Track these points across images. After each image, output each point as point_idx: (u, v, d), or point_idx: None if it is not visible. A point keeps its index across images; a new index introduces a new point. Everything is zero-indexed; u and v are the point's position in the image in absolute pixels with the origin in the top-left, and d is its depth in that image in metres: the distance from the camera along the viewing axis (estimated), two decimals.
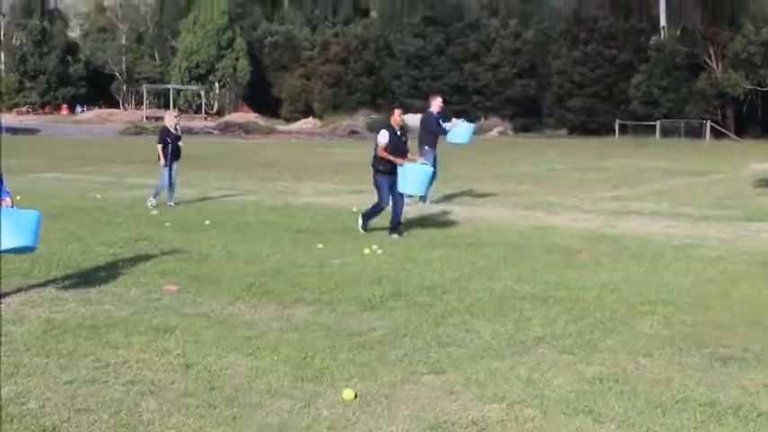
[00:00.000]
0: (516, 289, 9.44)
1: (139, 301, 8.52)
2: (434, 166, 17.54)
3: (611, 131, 68.54)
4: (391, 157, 13.29)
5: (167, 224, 14.30)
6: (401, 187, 13.43)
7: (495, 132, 68.98)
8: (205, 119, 79.54)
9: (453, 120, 18.16)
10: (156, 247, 11.91)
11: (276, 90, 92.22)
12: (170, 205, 16.87)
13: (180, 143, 17.26)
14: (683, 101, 67.27)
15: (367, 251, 11.76)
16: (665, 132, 65.48)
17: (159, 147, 17.04)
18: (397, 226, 13.47)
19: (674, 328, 7.83)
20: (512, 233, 14.08)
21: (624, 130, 68.53)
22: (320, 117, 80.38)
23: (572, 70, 72.18)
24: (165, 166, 16.96)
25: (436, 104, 18.00)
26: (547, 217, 16.39)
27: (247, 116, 76.83)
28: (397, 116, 13.67)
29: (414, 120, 71.61)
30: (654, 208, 18.21)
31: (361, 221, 13.76)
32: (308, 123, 76.15)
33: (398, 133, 13.51)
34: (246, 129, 61.71)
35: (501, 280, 9.93)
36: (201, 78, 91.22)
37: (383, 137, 13.37)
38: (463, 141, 18.04)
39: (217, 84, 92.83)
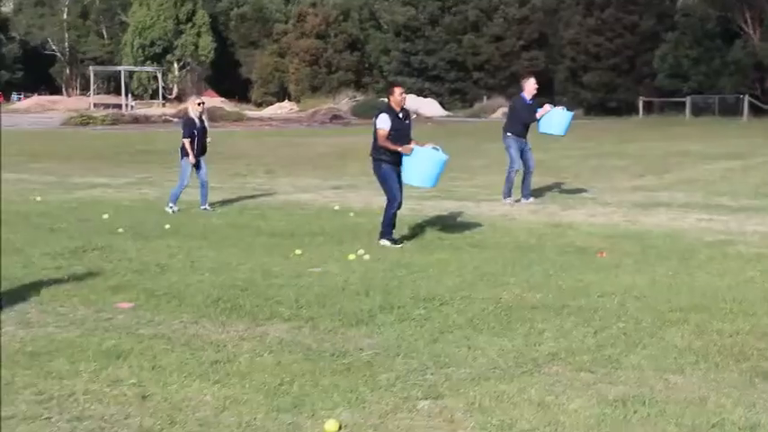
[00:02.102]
0: (526, 297, 9.44)
1: (88, 322, 8.49)
2: (523, 158, 17.52)
3: (633, 110, 68.74)
4: (395, 147, 12.61)
5: (120, 230, 14.26)
6: (407, 177, 12.78)
7: (499, 114, 69.08)
8: (163, 105, 79.41)
9: (546, 106, 17.71)
10: (106, 257, 11.87)
11: (245, 70, 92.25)
12: (205, 208, 16.69)
13: (208, 138, 17.01)
14: (715, 73, 67.44)
15: (352, 257, 11.75)
16: (697, 110, 65.67)
17: (186, 141, 16.68)
18: (390, 229, 12.97)
19: (708, 339, 7.83)
20: (520, 231, 14.09)
21: (649, 108, 68.73)
22: (297, 100, 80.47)
23: (587, 40, 72.39)
24: (194, 164, 16.72)
25: (529, 87, 17.66)
26: (561, 212, 16.42)
27: (212, 101, 76.68)
28: (397, 96, 12.81)
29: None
30: (684, 199, 18.25)
31: (385, 240, 12.81)
32: (282, 108, 76.20)
33: (400, 116, 12.80)
34: (211, 116, 61.62)
35: (508, 287, 9.93)
36: (157, 58, 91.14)
37: (383, 122, 12.65)
38: (559, 133, 17.65)
39: (176, 64, 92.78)
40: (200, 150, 16.81)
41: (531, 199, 17.79)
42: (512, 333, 8.05)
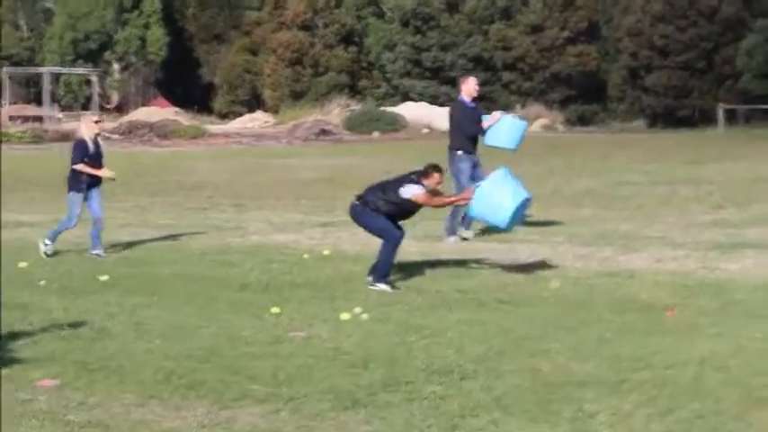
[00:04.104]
0: (573, 369, 9.44)
1: None
2: (473, 179, 17.91)
3: (711, 121, 68.79)
4: (448, 200, 14.44)
5: (42, 283, 14.26)
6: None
7: (537, 127, 69.35)
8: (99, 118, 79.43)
9: (495, 113, 18.57)
10: (25, 319, 11.85)
11: (206, 71, 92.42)
12: (95, 255, 16.86)
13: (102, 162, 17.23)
14: None
15: (346, 316, 11.74)
16: None
17: (79, 166, 16.91)
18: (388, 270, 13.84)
19: None
20: (566, 283, 14.07)
21: (732, 118, 68.77)
22: (273, 111, 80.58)
23: (651, 30, 72.58)
24: (80, 192, 16.91)
25: (469, 88, 18.41)
26: (618, 256, 16.41)
27: (164, 112, 76.98)
28: (435, 183, 13.79)
29: (411, 110, 71.32)
30: None
31: (382, 283, 13.62)
32: (255, 121, 76.39)
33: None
34: (162, 131, 61.82)
35: (549, 356, 9.93)
36: (93, 57, 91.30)
37: (417, 190, 13.63)
38: (508, 146, 18.42)
39: (116, 64, 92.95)
40: (93, 181, 16.98)
41: (471, 232, 18.36)
42: (554, 417, 8.04)
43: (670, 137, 59.47)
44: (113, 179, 17.46)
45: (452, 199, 14.41)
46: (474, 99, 18.42)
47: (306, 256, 16.62)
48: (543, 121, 71.18)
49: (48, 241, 16.90)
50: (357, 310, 12.00)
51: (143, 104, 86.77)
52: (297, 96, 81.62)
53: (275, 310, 12.16)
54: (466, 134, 18.12)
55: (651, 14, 72.69)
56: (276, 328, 11.28)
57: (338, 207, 23.63)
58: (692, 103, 71.73)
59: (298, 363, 9.74)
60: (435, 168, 13.87)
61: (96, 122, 17.46)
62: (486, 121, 18.12)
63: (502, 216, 14.02)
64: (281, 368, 9.52)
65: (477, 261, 15.85)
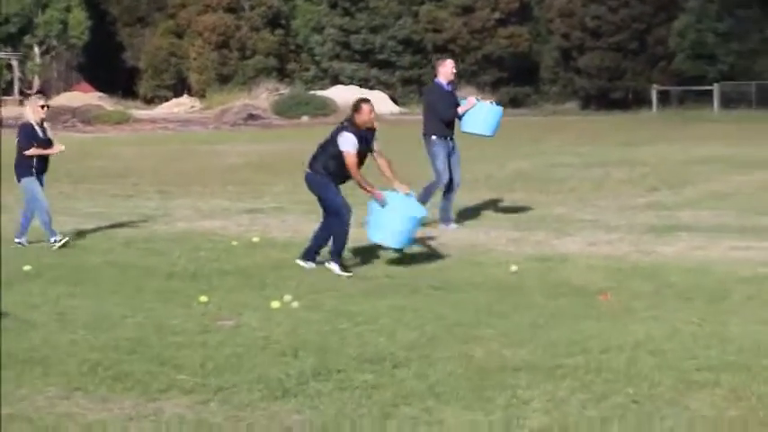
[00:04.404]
0: (506, 355, 9.46)
1: None
2: (449, 165, 17.92)
3: (644, 102, 69.19)
4: (370, 188, 13.80)
5: None
6: (373, 233, 14.15)
7: None
8: (20, 103, 78.81)
9: (470, 98, 18.53)
10: None
11: (130, 56, 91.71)
12: (19, 243, 16.67)
13: (55, 149, 17.09)
14: (752, 53, 68.00)
15: (276, 304, 11.71)
16: (727, 101, 66.15)
17: (31, 151, 16.74)
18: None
19: (747, 407, 7.88)
20: (498, 268, 14.12)
21: (665, 99, 69.17)
22: (200, 95, 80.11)
23: (583, 11, 72.86)
24: (32, 176, 16.75)
25: (446, 70, 18.28)
26: (551, 240, 16.48)
27: (86, 97, 76.28)
28: (367, 114, 13.94)
29: (340, 93, 71.16)
30: (711, 220, 18.39)
31: (335, 263, 13.91)
32: (180, 105, 75.94)
33: (366, 140, 13.97)
34: (86, 117, 61.34)
35: (482, 342, 9.94)
36: (12, 41, 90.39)
37: (350, 143, 13.76)
38: (485, 133, 18.28)
39: (37, 48, 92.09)
40: (41, 167, 16.86)
41: (453, 225, 18.00)
42: (488, 404, 8.05)
43: (603, 119, 59.80)
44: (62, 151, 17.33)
45: (365, 186, 13.85)
46: (450, 82, 18.26)
47: (234, 243, 16.57)
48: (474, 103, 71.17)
49: (54, 238, 16.64)
50: (287, 297, 11.98)
51: (65, 89, 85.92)
52: (224, 80, 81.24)
53: (203, 298, 12.11)
54: (442, 118, 17.90)
55: None
56: (204, 318, 11.24)
57: (266, 193, 23.62)
58: (626, 84, 72.13)
59: (227, 352, 9.71)
60: (364, 101, 14.13)
61: (43, 107, 17.25)
62: (463, 106, 17.98)
63: (374, 232, 14.11)
64: (209, 358, 9.49)
65: (408, 247, 15.85)
